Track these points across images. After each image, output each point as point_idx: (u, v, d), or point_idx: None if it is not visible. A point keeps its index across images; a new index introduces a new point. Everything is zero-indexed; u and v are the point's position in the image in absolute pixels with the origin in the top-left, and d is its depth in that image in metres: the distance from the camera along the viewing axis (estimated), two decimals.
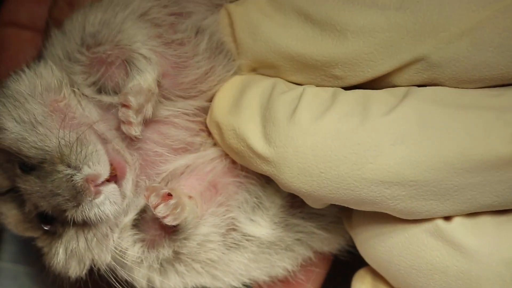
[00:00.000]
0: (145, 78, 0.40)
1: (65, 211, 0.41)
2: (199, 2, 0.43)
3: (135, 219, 0.44)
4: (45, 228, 0.44)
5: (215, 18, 0.43)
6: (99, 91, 0.42)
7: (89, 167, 0.40)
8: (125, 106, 0.40)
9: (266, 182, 0.44)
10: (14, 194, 0.44)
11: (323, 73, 0.40)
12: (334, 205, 0.40)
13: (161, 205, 0.41)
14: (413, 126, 0.35)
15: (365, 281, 0.44)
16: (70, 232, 0.43)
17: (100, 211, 0.41)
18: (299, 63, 0.40)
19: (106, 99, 0.42)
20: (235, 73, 0.43)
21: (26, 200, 0.43)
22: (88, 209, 0.41)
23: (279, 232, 0.45)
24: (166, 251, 0.44)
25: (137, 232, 0.44)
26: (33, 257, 0.60)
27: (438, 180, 0.36)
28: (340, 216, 0.45)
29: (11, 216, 0.46)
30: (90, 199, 0.40)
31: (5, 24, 0.53)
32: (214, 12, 0.44)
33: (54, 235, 0.44)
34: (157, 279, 0.45)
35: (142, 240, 0.44)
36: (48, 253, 0.45)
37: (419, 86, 0.39)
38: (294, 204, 0.45)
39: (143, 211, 0.44)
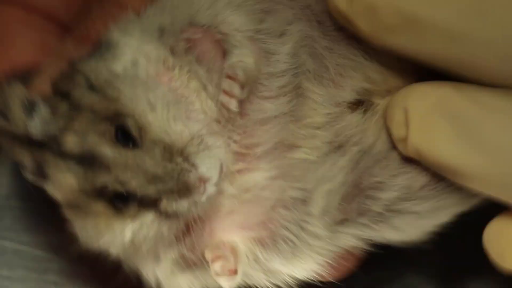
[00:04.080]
0: (245, 54, 0.40)
1: (159, 199, 0.39)
2: (285, 4, 0.43)
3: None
4: (119, 205, 0.40)
5: (300, 27, 0.43)
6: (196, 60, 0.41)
7: (205, 167, 0.39)
8: (231, 78, 0.39)
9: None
10: (82, 162, 0.40)
11: None
12: None
13: (222, 277, 0.41)
14: None
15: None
16: (147, 218, 0.40)
17: (196, 209, 0.40)
18: None
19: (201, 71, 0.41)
20: None
21: (105, 173, 0.39)
22: (187, 206, 0.39)
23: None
24: None
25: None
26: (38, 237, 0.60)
27: None
28: None
29: (66, 185, 0.41)
30: (197, 198, 0.39)
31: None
32: (300, 18, 0.43)
33: (121, 213, 0.40)
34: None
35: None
36: (105, 228, 0.41)
37: None
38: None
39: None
